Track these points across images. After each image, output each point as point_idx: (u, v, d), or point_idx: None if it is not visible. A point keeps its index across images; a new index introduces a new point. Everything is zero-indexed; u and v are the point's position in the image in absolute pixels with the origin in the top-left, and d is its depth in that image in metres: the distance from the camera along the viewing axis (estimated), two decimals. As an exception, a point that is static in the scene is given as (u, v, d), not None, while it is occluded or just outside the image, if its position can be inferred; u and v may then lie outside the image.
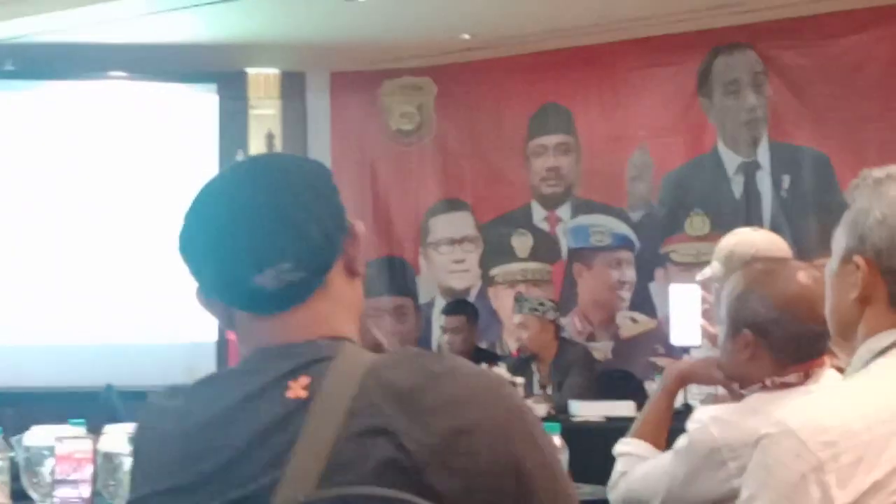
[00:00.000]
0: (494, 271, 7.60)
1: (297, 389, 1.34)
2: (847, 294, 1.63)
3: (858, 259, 1.60)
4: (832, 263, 1.68)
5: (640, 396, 5.63)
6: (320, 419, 1.30)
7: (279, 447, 1.31)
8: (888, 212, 1.59)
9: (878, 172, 1.64)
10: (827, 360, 2.34)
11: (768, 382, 2.33)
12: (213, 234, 1.42)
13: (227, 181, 1.47)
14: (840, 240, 1.66)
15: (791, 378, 2.31)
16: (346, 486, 1.27)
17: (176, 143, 7.53)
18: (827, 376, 2.32)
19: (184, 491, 1.35)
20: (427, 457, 1.29)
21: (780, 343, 2.31)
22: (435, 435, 1.29)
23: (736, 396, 2.47)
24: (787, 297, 2.30)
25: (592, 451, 3.06)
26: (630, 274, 7.13)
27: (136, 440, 1.47)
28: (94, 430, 2.71)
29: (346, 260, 1.45)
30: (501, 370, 5.52)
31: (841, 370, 2.34)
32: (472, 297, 7.50)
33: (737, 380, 2.45)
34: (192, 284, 1.46)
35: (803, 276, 2.33)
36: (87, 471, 2.35)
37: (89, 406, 5.86)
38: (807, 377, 2.31)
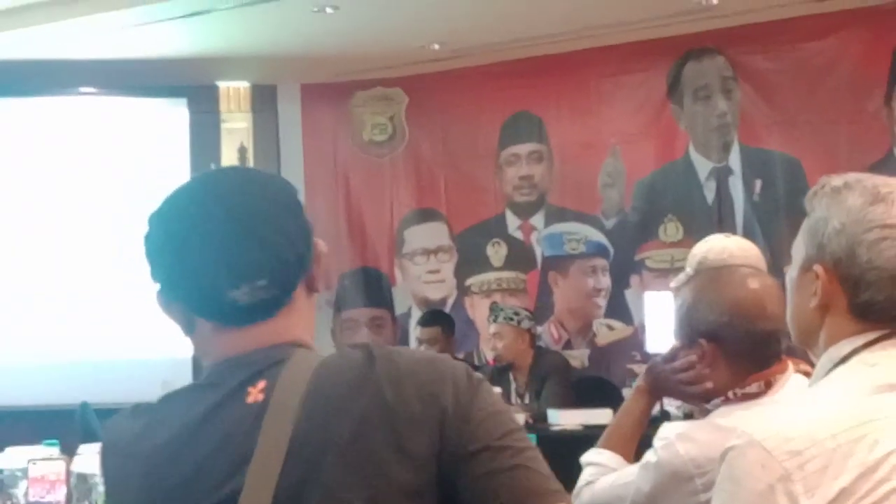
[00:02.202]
0: (470, 281, 7.61)
1: (255, 394, 1.36)
2: (807, 302, 1.63)
3: (818, 268, 1.61)
4: (792, 272, 1.69)
5: (617, 403, 5.61)
6: (274, 423, 1.32)
7: (240, 454, 1.32)
8: (846, 220, 1.59)
9: (835, 181, 1.64)
10: (790, 365, 2.33)
11: (730, 395, 2.30)
12: (185, 245, 1.41)
13: (198, 191, 1.47)
14: (799, 248, 1.67)
15: (752, 388, 2.28)
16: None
17: (148, 159, 7.50)
18: (792, 383, 2.30)
19: None
20: (366, 453, 1.31)
21: (735, 347, 2.29)
22: (369, 436, 1.32)
23: (703, 412, 2.46)
24: (735, 300, 2.28)
25: (571, 460, 3.05)
26: (605, 281, 7.15)
27: (102, 465, 1.47)
28: (70, 448, 2.71)
29: (307, 277, 1.47)
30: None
31: (809, 375, 2.34)
32: (447, 307, 7.50)
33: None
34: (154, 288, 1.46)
35: (751, 279, 2.32)
36: (61, 492, 2.35)
37: (65, 424, 5.84)
38: (768, 386, 2.28)
